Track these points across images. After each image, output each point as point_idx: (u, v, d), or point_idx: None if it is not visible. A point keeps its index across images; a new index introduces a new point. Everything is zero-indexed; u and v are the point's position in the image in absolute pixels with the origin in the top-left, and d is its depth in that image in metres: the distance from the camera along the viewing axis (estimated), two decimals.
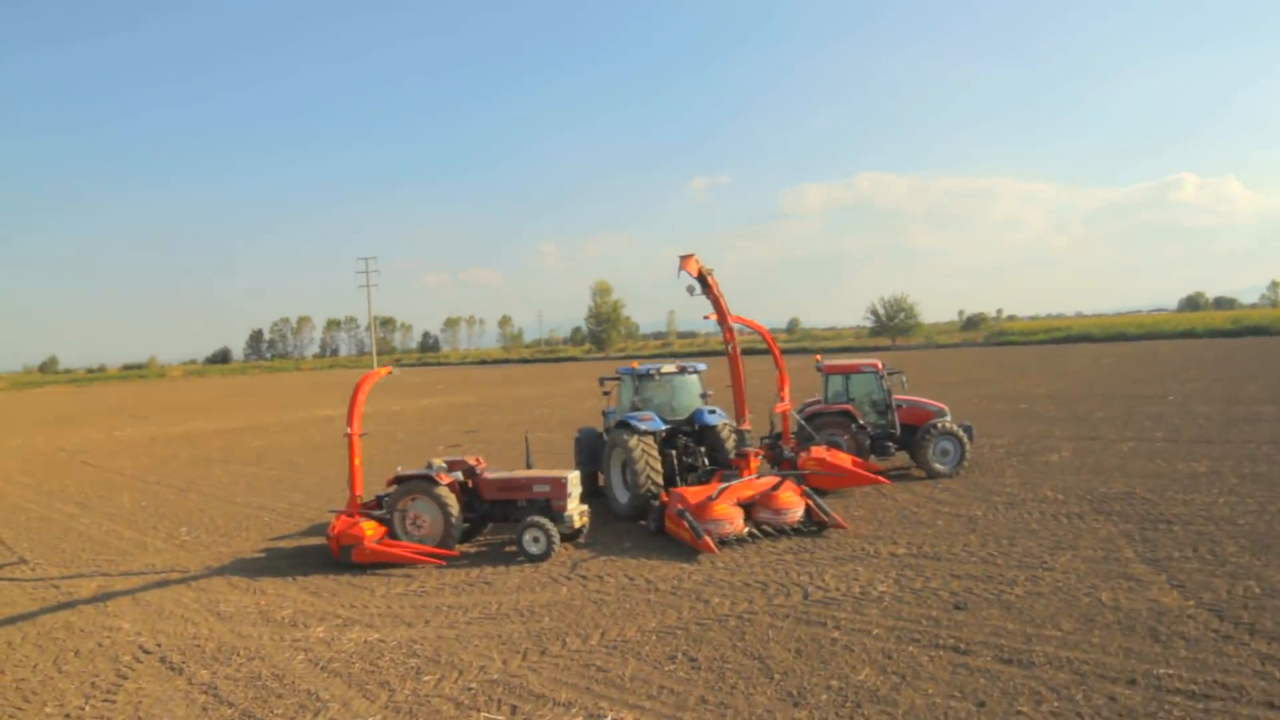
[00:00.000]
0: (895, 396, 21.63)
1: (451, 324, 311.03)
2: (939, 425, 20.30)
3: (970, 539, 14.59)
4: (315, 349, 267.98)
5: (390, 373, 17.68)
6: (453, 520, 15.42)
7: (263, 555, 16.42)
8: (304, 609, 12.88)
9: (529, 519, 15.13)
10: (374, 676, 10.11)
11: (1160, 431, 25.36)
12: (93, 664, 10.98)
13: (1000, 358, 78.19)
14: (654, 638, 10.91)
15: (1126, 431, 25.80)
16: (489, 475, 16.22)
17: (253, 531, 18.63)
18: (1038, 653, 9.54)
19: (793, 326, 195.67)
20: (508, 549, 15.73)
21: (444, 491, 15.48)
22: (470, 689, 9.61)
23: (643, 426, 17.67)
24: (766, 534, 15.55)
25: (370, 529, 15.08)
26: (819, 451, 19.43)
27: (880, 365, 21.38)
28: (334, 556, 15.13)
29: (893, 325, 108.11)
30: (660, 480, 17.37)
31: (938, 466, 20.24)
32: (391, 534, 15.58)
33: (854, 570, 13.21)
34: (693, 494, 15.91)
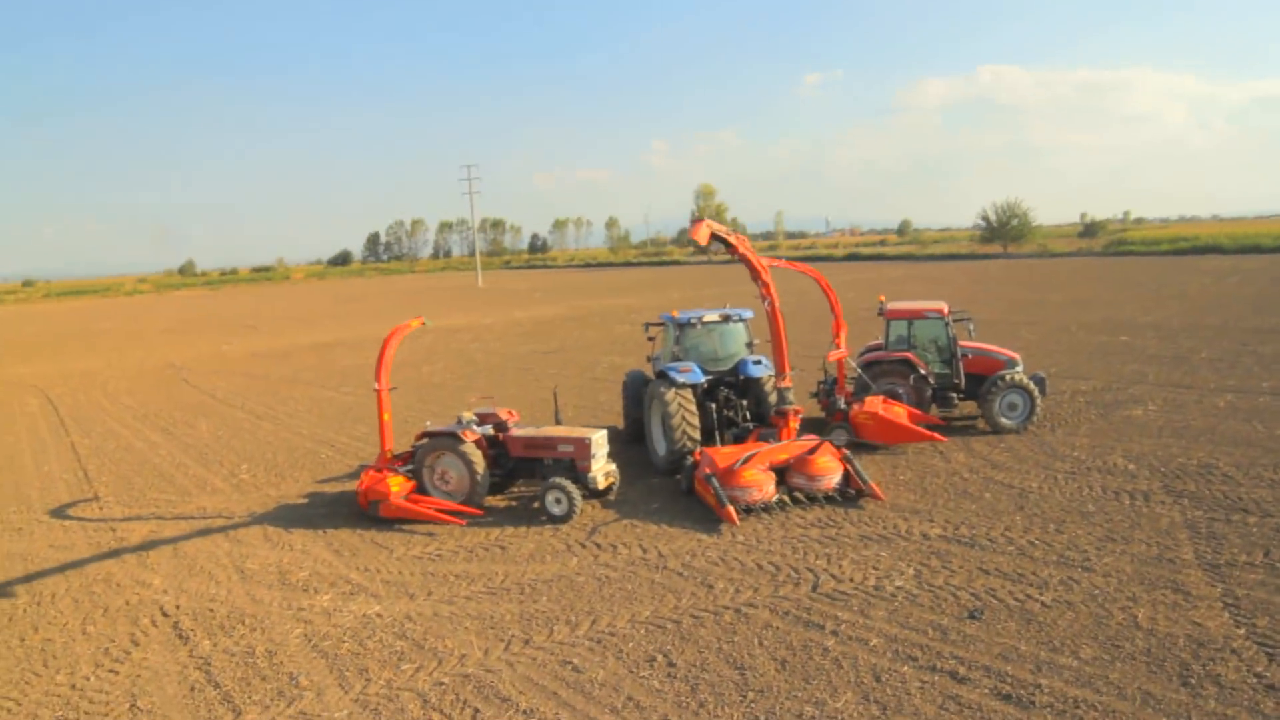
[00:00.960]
0: (962, 344, 19.96)
1: (560, 225, 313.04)
2: (1007, 377, 18.62)
3: (1015, 520, 13.37)
4: (429, 250, 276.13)
5: (423, 324, 17.40)
6: (478, 478, 15.30)
7: (304, 501, 16.86)
8: (320, 570, 13.11)
9: (551, 480, 14.84)
10: (356, 661, 10.14)
11: (1269, 382, 22.58)
12: (114, 626, 11.49)
13: (1114, 271, 72.10)
14: (643, 631, 10.49)
15: (1229, 380, 23.13)
16: (516, 433, 15.94)
17: (305, 471, 19.19)
18: (1044, 688, 8.57)
19: (903, 229, 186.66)
20: (535, 505, 15.56)
21: (469, 449, 15.32)
22: (442, 684, 9.48)
23: (680, 379, 16.91)
24: (798, 501, 14.76)
25: (397, 485, 15.14)
26: (873, 403, 18.24)
27: (946, 310, 19.64)
28: (363, 510, 15.35)
29: (1004, 231, 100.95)
30: (696, 436, 16.70)
31: (1004, 421, 18.69)
32: (421, 488, 15.65)
33: (877, 555, 12.33)
34: (723, 456, 15.19)
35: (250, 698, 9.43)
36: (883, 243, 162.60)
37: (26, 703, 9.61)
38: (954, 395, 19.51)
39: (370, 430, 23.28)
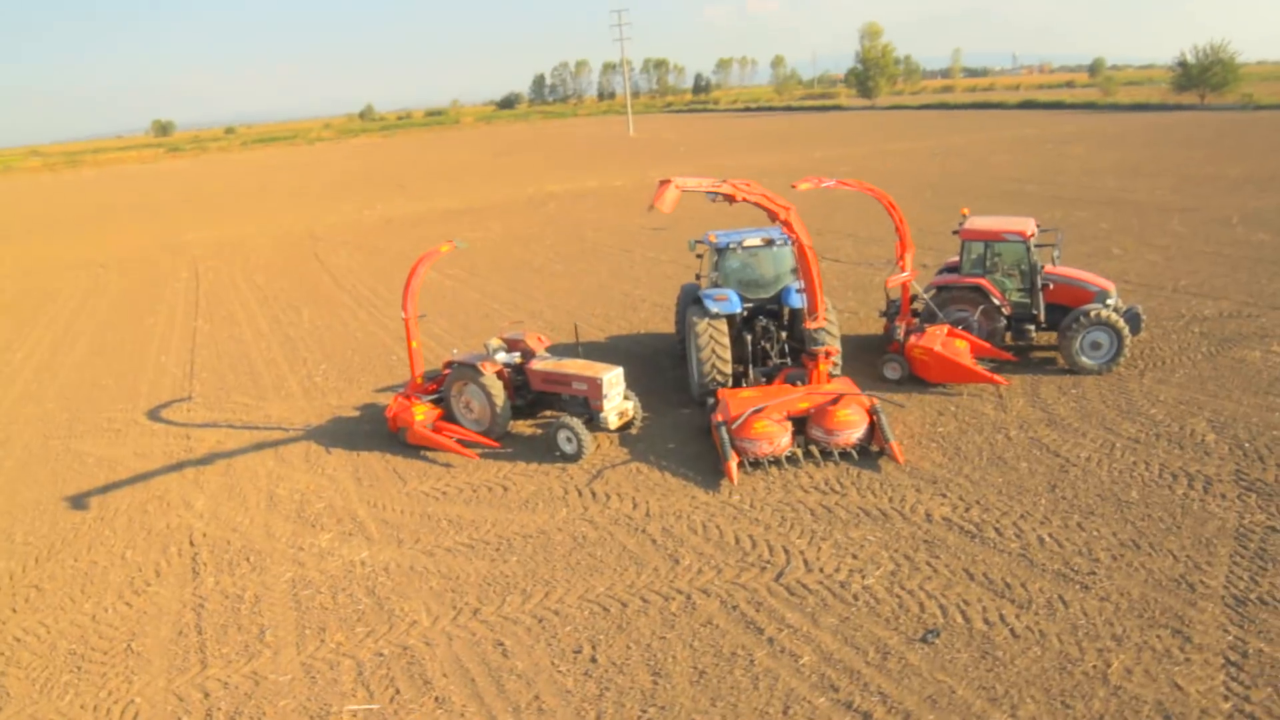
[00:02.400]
0: (1048, 270, 17.35)
1: (724, 65, 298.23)
2: (1091, 313, 16.09)
3: (1038, 505, 11.88)
4: (593, 91, 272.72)
5: (454, 247, 17.10)
6: (497, 410, 15.36)
7: (357, 415, 17.70)
8: (335, 503, 13.85)
9: (561, 419, 14.65)
10: (321, 618, 10.75)
11: None
12: (149, 553, 12.77)
13: None
14: (587, 612, 10.41)
15: None
16: (536, 365, 15.72)
17: (371, 377, 20.06)
18: None
19: (1095, 68, 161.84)
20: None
21: (489, 380, 15.32)
22: (381, 655, 9.91)
23: (714, 308, 15.89)
24: (810, 456, 13.80)
25: (421, 413, 15.51)
26: (934, 335, 16.46)
27: (1028, 231, 16.92)
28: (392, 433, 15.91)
29: (1203, 79, 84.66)
30: (727, 370, 15.83)
31: (1085, 361, 16.35)
32: (449, 415, 15.96)
33: (864, 538, 11.43)
34: (739, 401, 14.35)
35: (220, 650, 10.29)
36: (1069, 84, 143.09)
37: (53, 631, 10.98)
38: (1030, 327, 17.21)
39: (451, 328, 23.90)
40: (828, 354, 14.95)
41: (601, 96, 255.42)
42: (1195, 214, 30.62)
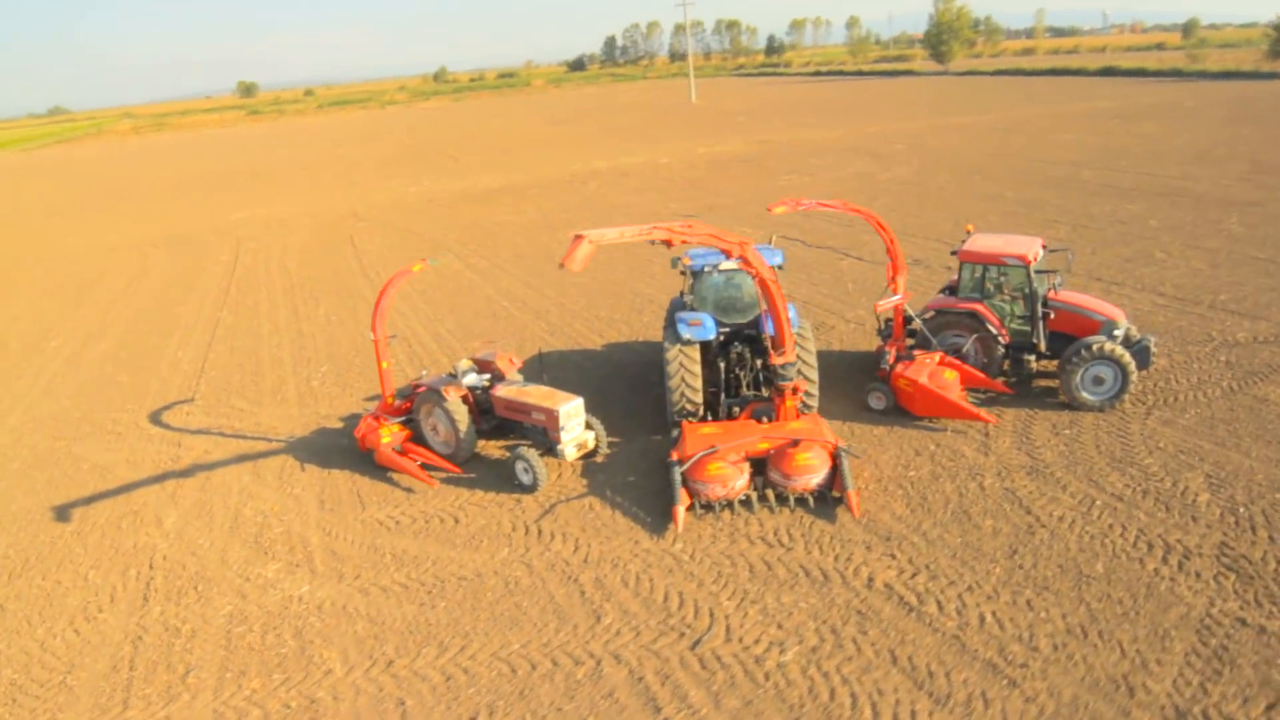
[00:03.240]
0: (1051, 296, 16.08)
1: (797, 25, 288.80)
2: (1094, 346, 14.86)
3: (991, 574, 11.08)
4: (664, 52, 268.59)
5: (426, 265, 16.83)
6: (461, 435, 15.19)
7: (340, 426, 17.80)
8: (291, 529, 13.94)
9: (519, 450, 14.37)
10: (243, 660, 10.84)
11: None
12: (109, 575, 13.11)
13: None
14: (495, 671, 10.22)
15: None
16: (499, 391, 15.43)
17: (366, 383, 20.11)
18: None
19: (1189, 29, 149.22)
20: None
21: (453, 406, 15.14)
22: (288, 708, 9.94)
23: (686, 334, 15.29)
24: (765, 502, 13.18)
25: (388, 435, 15.45)
26: (921, 365, 15.52)
27: (1030, 255, 15.63)
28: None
29: None
30: (697, 400, 15.26)
31: (1085, 397, 15.17)
32: (419, 436, 15.88)
33: (793, 606, 10.86)
34: (697, 439, 13.80)
35: (144, 690, 10.48)
36: (1159, 46, 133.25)
37: (2, 657, 11.39)
38: (1030, 357, 16.03)
39: (459, 325, 23.86)
40: (795, 390, 14.21)
41: (673, 58, 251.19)
42: (1258, 210, 28.08)
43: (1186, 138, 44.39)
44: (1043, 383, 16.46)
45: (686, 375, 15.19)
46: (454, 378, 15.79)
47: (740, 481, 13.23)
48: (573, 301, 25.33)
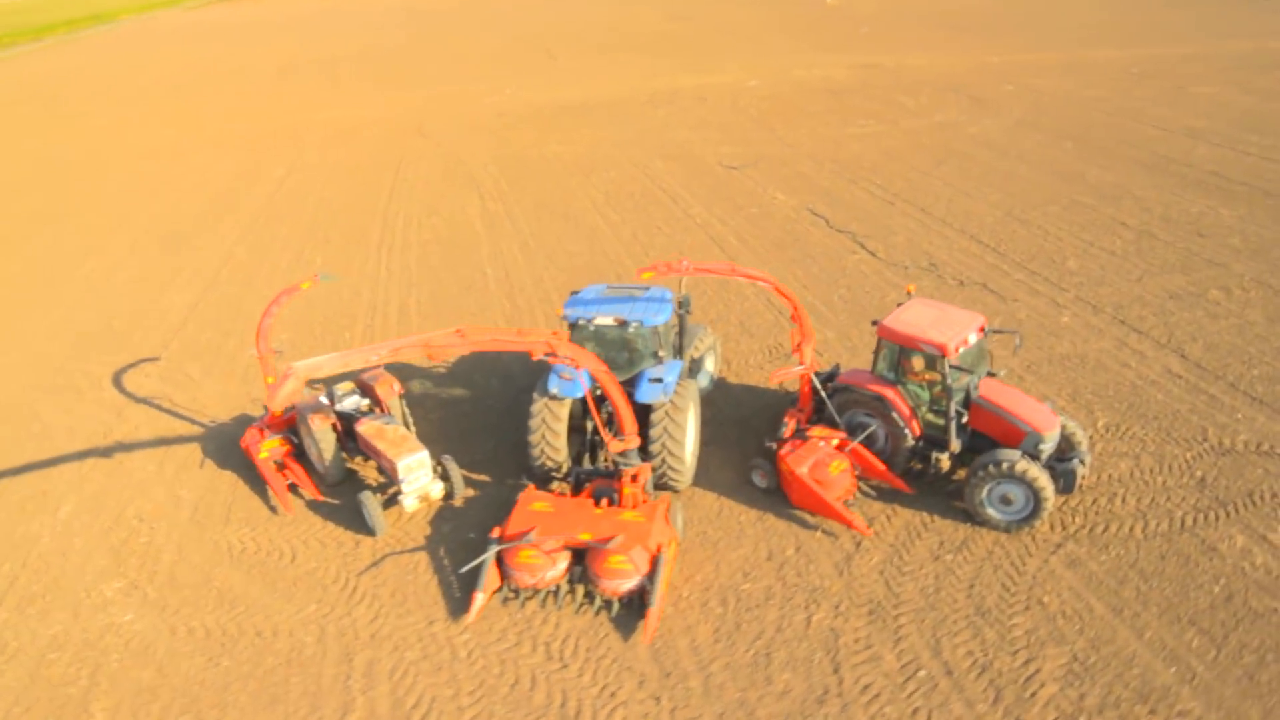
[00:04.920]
0: (981, 390, 13.61)
1: None
2: (1004, 464, 12.58)
3: None
4: None
5: (317, 281, 16.18)
6: (326, 461, 15.03)
7: (260, 414, 18.03)
8: (153, 542, 14.46)
9: (362, 494, 14.09)
10: (32, 695, 11.50)
11: None
12: None
13: None
14: None
15: None
16: (360, 427, 15.00)
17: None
18: None
19: None
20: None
21: (317, 432, 14.95)
22: None
23: (554, 388, 14.19)
24: (572, 594, 12.38)
25: (267, 449, 15.46)
26: (805, 453, 13.69)
27: (952, 348, 13.11)
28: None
29: None
30: (559, 458, 14.36)
31: (990, 514, 13.08)
32: (300, 451, 15.81)
33: None
34: (523, 516, 12.97)
35: None
36: None
37: None
38: (942, 456, 13.84)
39: (432, 296, 23.42)
40: (634, 477, 12.95)
41: None
42: None
43: None
44: (960, 478, 14.35)
45: (549, 433, 14.20)
46: (325, 403, 15.48)
47: (552, 573, 12.42)
48: (554, 276, 24.12)
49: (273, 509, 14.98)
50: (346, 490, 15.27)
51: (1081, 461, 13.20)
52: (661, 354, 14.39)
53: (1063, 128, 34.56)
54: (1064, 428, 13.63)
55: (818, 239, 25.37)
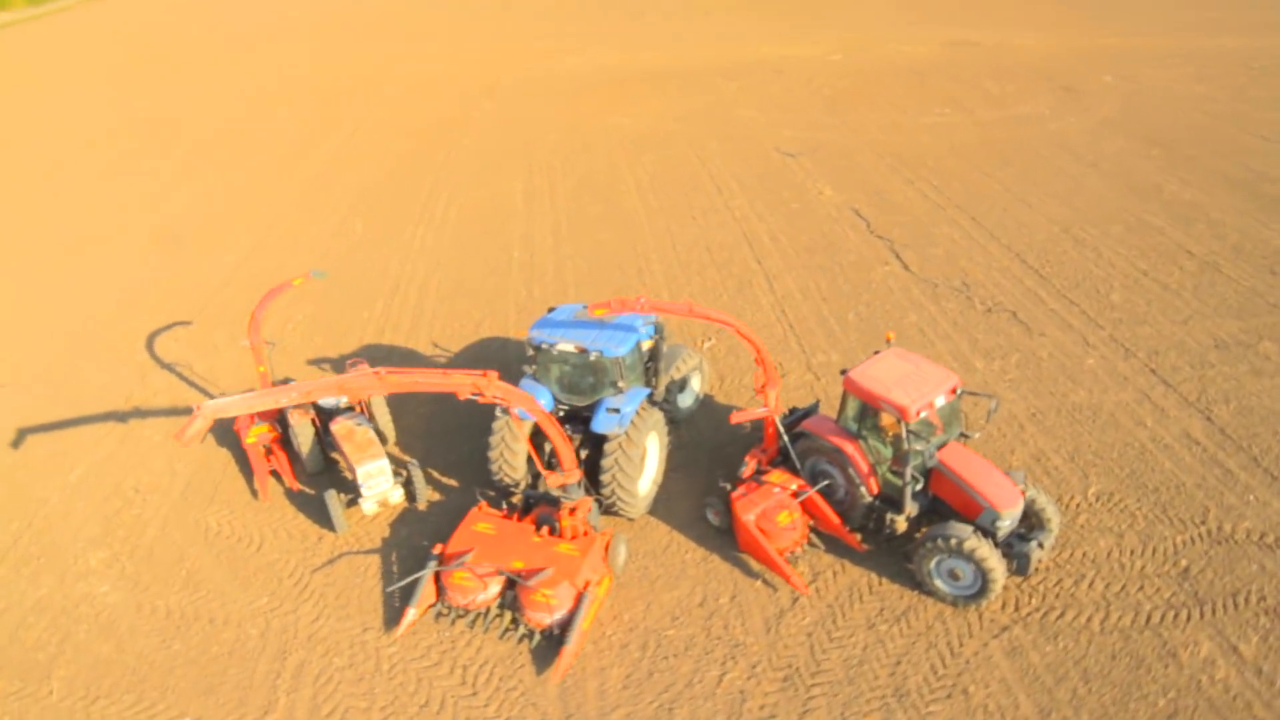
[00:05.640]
0: (942, 455, 12.78)
1: None
2: (953, 540, 11.86)
3: None
4: None
5: (309, 278, 16.49)
6: (304, 455, 15.57)
7: None
8: (142, 515, 15.41)
9: (328, 492, 14.52)
10: (5, 658, 12.53)
11: None
12: None
13: None
14: None
15: None
16: (333, 426, 15.41)
17: (333, 343, 20.81)
18: None
19: None
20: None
21: (296, 425, 15.48)
22: None
23: (515, 409, 14.19)
24: (499, 618, 12.58)
25: (255, 434, 16.06)
26: (757, 498, 13.30)
27: (913, 411, 12.26)
28: None
29: None
30: (516, 475, 14.47)
31: (938, 586, 12.44)
32: (287, 439, 16.40)
33: None
34: (464, 536, 13.19)
35: None
36: None
37: None
38: (899, 518, 13.16)
39: (452, 281, 23.62)
40: (572, 511, 12.88)
41: None
42: None
43: None
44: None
45: (507, 451, 14.28)
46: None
47: (484, 596, 12.61)
48: (575, 272, 23.85)
49: (254, 493, 15.71)
50: (324, 481, 15.82)
51: (1041, 545, 12.35)
52: (621, 384, 14.15)
53: (1152, 131, 31.62)
54: (1034, 503, 12.75)
55: (852, 244, 24.24)
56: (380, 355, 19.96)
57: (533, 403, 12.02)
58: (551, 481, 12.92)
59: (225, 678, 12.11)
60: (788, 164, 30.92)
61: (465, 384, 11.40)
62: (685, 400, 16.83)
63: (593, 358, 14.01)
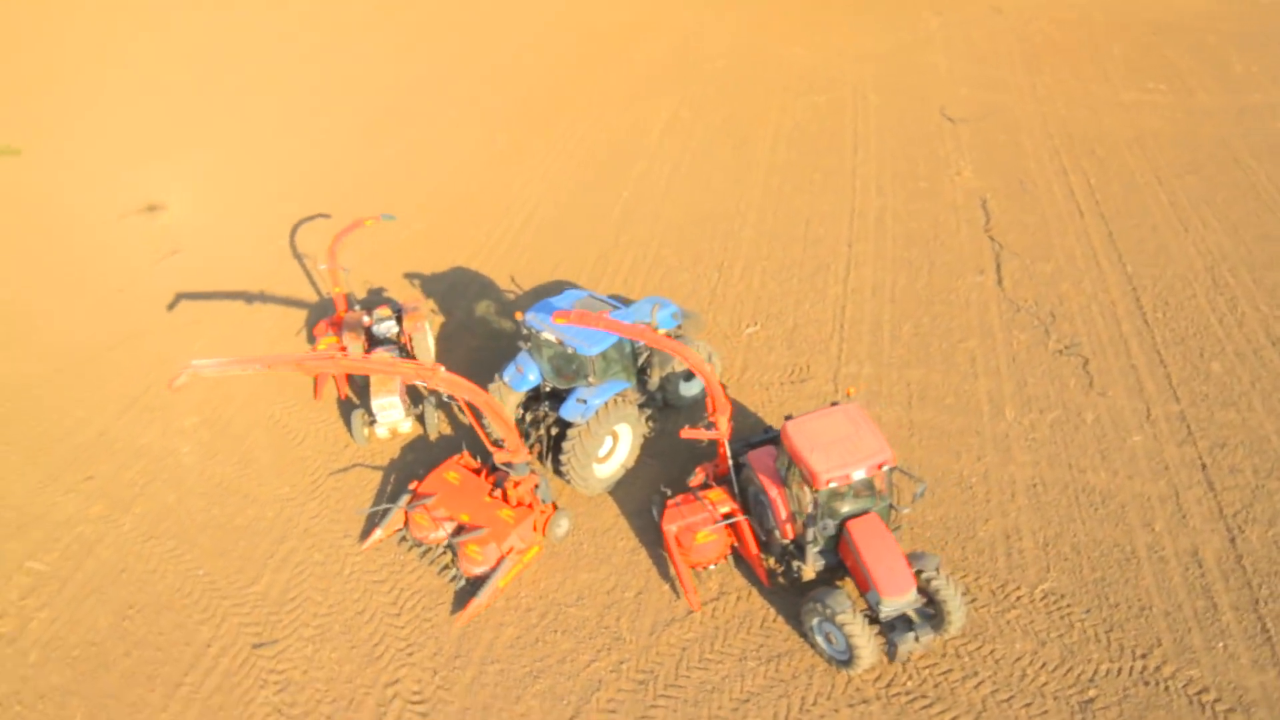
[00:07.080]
0: (854, 527, 12.55)
1: None
2: (827, 609, 11.98)
3: None
4: None
5: (379, 220, 18.34)
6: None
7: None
8: (163, 472, 18.77)
9: (354, 411, 16.96)
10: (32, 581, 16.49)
11: None
12: (127, 463, 19.45)
13: None
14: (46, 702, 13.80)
15: None
16: (373, 355, 17.54)
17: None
18: None
19: None
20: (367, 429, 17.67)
21: (349, 346, 17.88)
22: None
23: (507, 377, 15.80)
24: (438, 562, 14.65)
25: (326, 343, 18.76)
26: (686, 511, 14.04)
27: (823, 481, 11.97)
28: None
29: None
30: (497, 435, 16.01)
31: (818, 642, 12.74)
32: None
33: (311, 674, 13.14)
34: (436, 481, 15.20)
35: None
36: None
37: None
38: (799, 565, 13.21)
39: (528, 244, 24.75)
40: (516, 484, 14.29)
41: None
42: None
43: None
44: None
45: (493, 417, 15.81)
46: (365, 322, 18.24)
47: (435, 535, 14.68)
48: (668, 230, 23.98)
49: (314, 393, 18.63)
50: (366, 397, 18.33)
51: (918, 639, 12.13)
52: (592, 380, 15.04)
53: (1227, 161, 25.04)
54: (937, 593, 12.38)
55: (958, 242, 22.36)
56: (463, 281, 21.98)
57: (477, 393, 13.33)
58: (498, 459, 14.41)
59: (236, 547, 15.25)
60: (943, 131, 28.18)
61: (411, 374, 12.90)
62: (690, 390, 17.38)
63: (569, 351, 15.00)
